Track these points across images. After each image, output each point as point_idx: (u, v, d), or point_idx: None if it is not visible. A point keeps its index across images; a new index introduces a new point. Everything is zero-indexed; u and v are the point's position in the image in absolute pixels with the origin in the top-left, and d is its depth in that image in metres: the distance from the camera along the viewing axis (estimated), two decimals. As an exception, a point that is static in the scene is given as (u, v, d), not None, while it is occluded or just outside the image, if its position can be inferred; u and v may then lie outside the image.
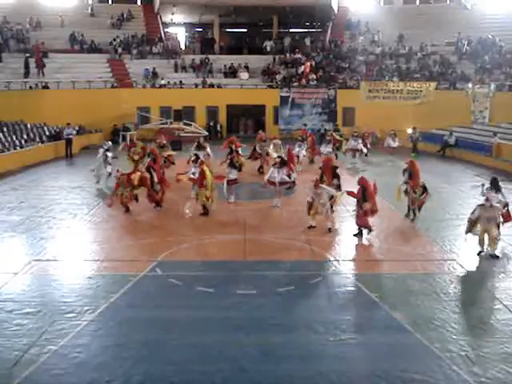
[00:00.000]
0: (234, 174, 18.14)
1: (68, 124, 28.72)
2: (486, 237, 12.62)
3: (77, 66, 35.30)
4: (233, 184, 18.09)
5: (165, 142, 24.18)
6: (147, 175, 16.80)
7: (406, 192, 16.17)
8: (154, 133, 30.03)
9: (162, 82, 36.12)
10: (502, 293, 10.84)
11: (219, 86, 36.58)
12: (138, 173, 16.79)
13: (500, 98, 29.93)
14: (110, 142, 22.87)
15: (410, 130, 29.95)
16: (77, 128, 30.68)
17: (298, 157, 22.85)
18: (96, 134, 32.85)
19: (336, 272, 12.00)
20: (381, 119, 32.00)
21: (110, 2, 43.58)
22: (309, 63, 37.19)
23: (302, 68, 37.20)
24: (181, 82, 36.01)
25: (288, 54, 38.98)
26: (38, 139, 28.48)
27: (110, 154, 20.93)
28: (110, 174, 20.26)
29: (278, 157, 18.49)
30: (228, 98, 35.75)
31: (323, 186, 15.15)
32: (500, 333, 9.22)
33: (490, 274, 11.82)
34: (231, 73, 38.04)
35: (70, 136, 28.46)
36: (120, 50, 37.64)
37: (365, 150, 26.58)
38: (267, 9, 41.29)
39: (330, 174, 16.46)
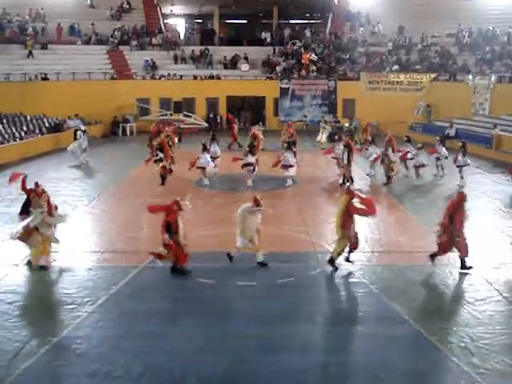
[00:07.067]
0: (250, 159, 19.21)
1: (76, 115, 29.54)
2: None
3: (76, 57, 35.20)
4: (249, 167, 19.28)
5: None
6: None
7: (382, 162, 19.75)
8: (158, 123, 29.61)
9: (161, 72, 36.01)
10: (501, 284, 10.84)
11: (219, 78, 36.49)
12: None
13: (500, 90, 29.87)
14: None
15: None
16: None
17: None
18: (96, 126, 32.80)
19: (336, 264, 11.99)
20: (381, 111, 31.96)
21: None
22: (307, 55, 37.07)
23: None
24: (181, 76, 35.91)
25: (288, 46, 38.83)
26: (37, 131, 28.46)
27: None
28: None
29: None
30: (228, 89, 35.62)
31: None
32: (499, 324, 9.25)
33: (490, 265, 11.81)
34: (231, 64, 37.93)
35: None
36: (119, 41, 37.50)
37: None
38: (267, 0, 41.12)
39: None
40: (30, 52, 33.80)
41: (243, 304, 10.02)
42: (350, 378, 7.76)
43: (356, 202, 11.54)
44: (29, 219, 11.70)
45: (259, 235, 11.68)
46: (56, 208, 12.16)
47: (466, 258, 11.41)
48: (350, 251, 11.67)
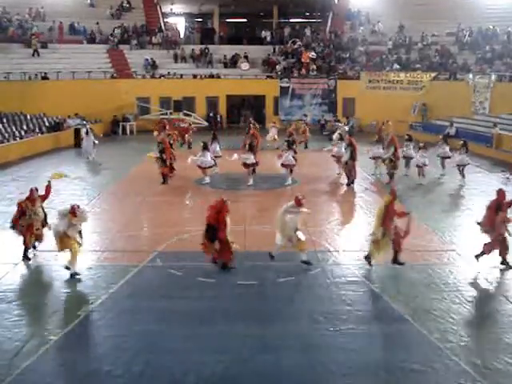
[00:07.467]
0: (251, 159, 19.19)
1: (76, 114, 30.17)
2: None
3: (76, 56, 35.20)
4: (251, 167, 19.30)
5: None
6: None
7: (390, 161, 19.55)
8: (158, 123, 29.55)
9: (161, 71, 36.00)
10: (501, 283, 10.86)
11: (219, 77, 36.47)
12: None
13: (500, 89, 29.86)
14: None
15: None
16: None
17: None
18: (96, 125, 32.75)
19: (336, 263, 12.00)
20: (381, 110, 31.94)
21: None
22: (307, 54, 37.06)
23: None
24: (181, 75, 35.90)
25: (288, 45, 38.81)
26: (37, 130, 28.45)
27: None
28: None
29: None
30: (228, 88, 35.63)
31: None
32: (499, 323, 9.25)
33: (490, 264, 11.80)
34: (231, 63, 37.92)
35: (79, 126, 28.65)
36: (119, 40, 37.48)
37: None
38: (267, -2, 41.21)
39: None
40: (35, 51, 33.80)
41: (243, 303, 10.01)
42: (351, 378, 7.75)
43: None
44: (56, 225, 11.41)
45: (302, 235, 11.54)
46: (78, 206, 11.38)
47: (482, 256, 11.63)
48: (396, 252, 11.44)
